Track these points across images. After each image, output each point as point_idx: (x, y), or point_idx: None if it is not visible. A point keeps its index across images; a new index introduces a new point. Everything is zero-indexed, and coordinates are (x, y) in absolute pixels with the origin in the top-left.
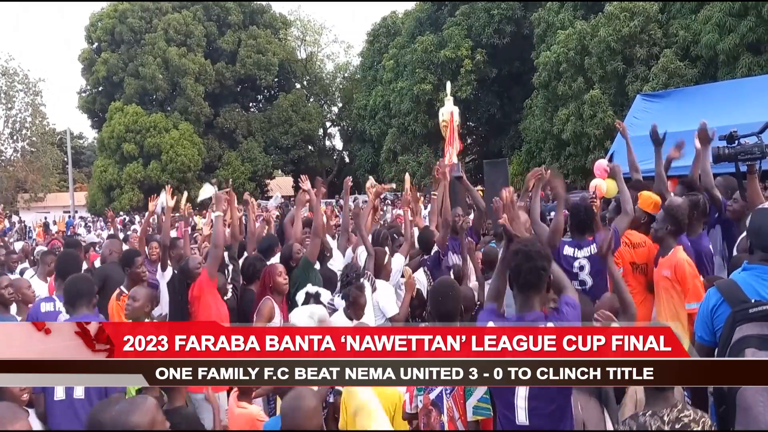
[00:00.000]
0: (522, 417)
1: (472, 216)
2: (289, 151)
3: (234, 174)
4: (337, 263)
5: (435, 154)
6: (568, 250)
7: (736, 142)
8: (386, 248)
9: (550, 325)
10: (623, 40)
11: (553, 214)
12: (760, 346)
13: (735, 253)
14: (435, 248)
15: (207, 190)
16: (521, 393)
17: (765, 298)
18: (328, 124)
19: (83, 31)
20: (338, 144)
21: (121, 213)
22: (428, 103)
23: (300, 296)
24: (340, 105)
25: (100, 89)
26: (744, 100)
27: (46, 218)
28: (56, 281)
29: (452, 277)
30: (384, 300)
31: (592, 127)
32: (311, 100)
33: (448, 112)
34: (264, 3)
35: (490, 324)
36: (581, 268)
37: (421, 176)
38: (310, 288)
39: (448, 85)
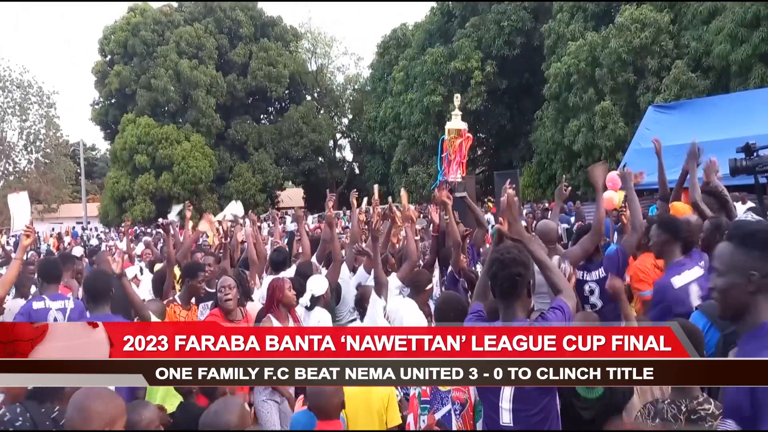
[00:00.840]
0: (506, 418)
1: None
2: (300, 162)
3: (245, 186)
4: (344, 275)
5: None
6: (577, 273)
7: (755, 154)
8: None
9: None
10: (634, 51)
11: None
12: None
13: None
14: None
15: (232, 208)
16: (506, 395)
17: None
18: (338, 135)
19: (96, 44)
20: (348, 155)
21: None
22: (438, 115)
23: (304, 299)
24: (351, 117)
25: (112, 101)
26: (757, 112)
27: (53, 229)
28: (38, 280)
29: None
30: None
31: (603, 138)
32: (321, 111)
33: (456, 128)
34: (275, 15)
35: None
36: (591, 291)
37: (431, 188)
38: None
39: (457, 98)
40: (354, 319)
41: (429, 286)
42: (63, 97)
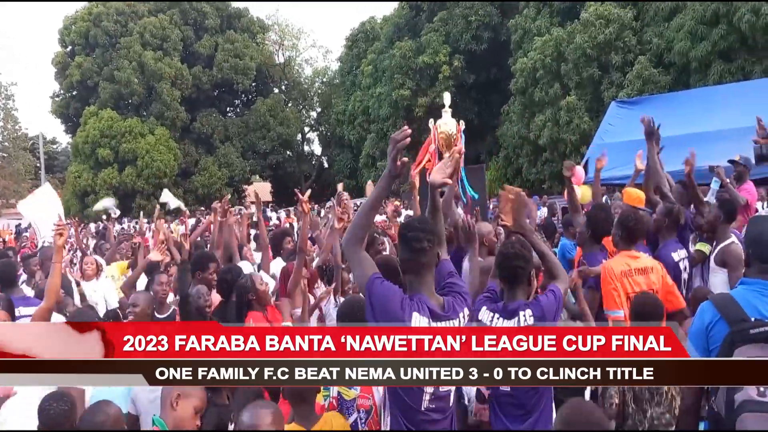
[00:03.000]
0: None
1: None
2: (267, 156)
3: (211, 179)
4: None
5: (414, 159)
6: None
7: None
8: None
9: (528, 311)
10: (599, 46)
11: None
12: None
13: (712, 264)
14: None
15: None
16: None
17: (766, 316)
18: (306, 129)
19: (56, 34)
20: (317, 149)
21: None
22: (407, 109)
23: None
24: (319, 110)
25: (74, 93)
26: (716, 107)
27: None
28: None
29: None
30: None
31: (568, 133)
32: (289, 104)
33: (453, 124)
34: (241, 7)
35: (483, 309)
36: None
37: (400, 182)
38: None
39: (446, 96)
40: None
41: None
42: (21, 89)
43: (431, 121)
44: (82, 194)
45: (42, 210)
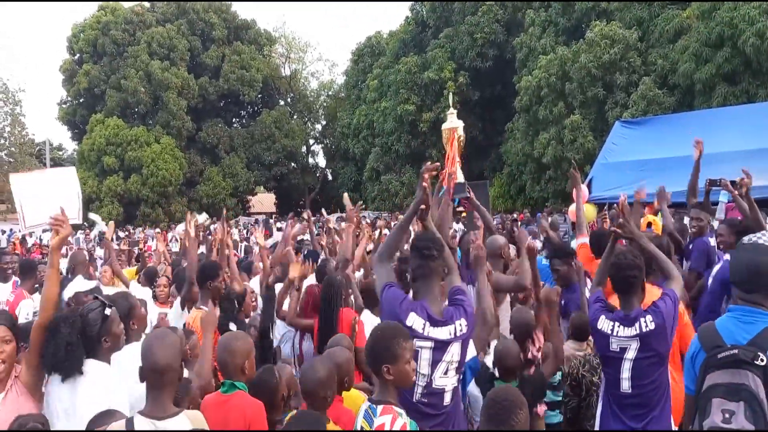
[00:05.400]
0: (625, 386)
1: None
2: (272, 167)
3: (215, 189)
4: None
5: (418, 174)
6: None
7: None
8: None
9: (648, 317)
10: (603, 66)
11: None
12: (727, 396)
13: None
14: None
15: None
16: (626, 366)
17: (740, 342)
18: (311, 141)
19: (65, 42)
20: (321, 162)
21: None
22: (411, 124)
23: None
24: (324, 123)
25: (81, 101)
26: (720, 130)
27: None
28: None
29: None
30: None
31: (572, 151)
32: (295, 117)
33: (449, 127)
34: (249, 19)
35: (602, 318)
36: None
37: (404, 196)
38: None
39: (450, 98)
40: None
41: None
42: (29, 95)
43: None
44: (87, 201)
45: (43, 193)
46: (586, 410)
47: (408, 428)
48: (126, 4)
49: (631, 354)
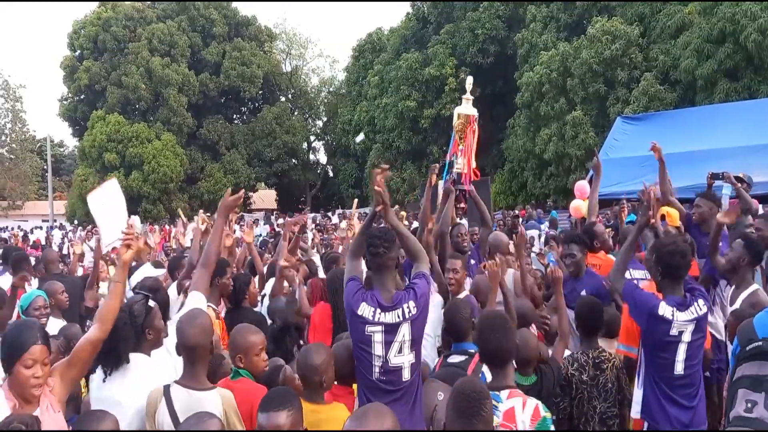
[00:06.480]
0: (679, 368)
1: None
2: (273, 163)
3: (216, 186)
4: None
5: (419, 170)
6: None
7: None
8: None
9: (701, 301)
10: (605, 62)
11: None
12: (751, 387)
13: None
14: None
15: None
16: (681, 349)
17: None
18: (312, 137)
19: (65, 38)
20: (322, 158)
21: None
22: (412, 120)
23: None
24: (325, 119)
25: (81, 97)
26: (721, 125)
27: (19, 226)
28: None
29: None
30: None
31: (573, 147)
32: (295, 113)
33: (465, 113)
34: (249, 15)
35: (662, 304)
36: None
37: (405, 192)
38: None
39: (469, 79)
40: None
41: None
42: (30, 92)
43: (456, 113)
44: None
45: (108, 209)
46: (578, 409)
47: (541, 410)
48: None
49: (687, 337)
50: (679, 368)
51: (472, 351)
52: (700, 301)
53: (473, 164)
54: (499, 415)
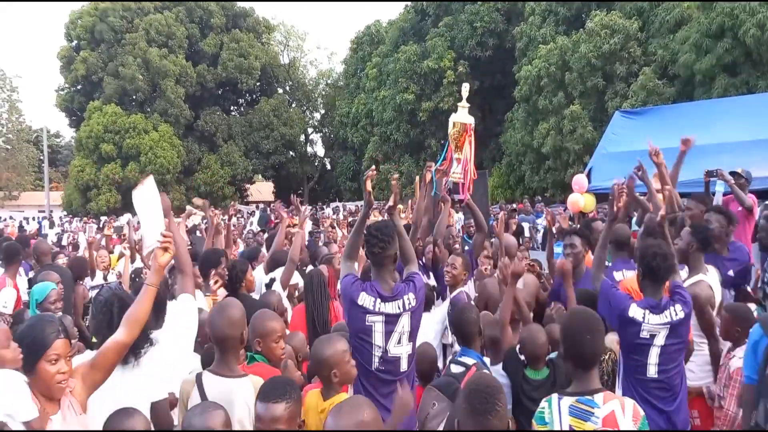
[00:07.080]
0: (652, 372)
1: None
2: (270, 156)
3: (213, 177)
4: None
5: (417, 163)
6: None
7: None
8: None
9: (678, 306)
10: (603, 56)
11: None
12: None
13: None
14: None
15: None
16: (654, 352)
17: None
18: (309, 130)
19: (62, 29)
20: (320, 150)
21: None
22: (410, 113)
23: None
24: (323, 111)
25: (78, 88)
26: (720, 120)
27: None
28: None
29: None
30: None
31: (571, 142)
32: (293, 105)
33: (461, 122)
34: (247, 7)
35: (633, 306)
36: None
37: (403, 185)
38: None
39: (465, 87)
40: None
41: None
42: (26, 82)
43: (451, 122)
44: (85, 188)
45: (149, 209)
46: None
47: (639, 409)
48: None
49: (659, 341)
50: (652, 371)
51: (470, 363)
52: (678, 306)
53: (471, 175)
54: (597, 422)
